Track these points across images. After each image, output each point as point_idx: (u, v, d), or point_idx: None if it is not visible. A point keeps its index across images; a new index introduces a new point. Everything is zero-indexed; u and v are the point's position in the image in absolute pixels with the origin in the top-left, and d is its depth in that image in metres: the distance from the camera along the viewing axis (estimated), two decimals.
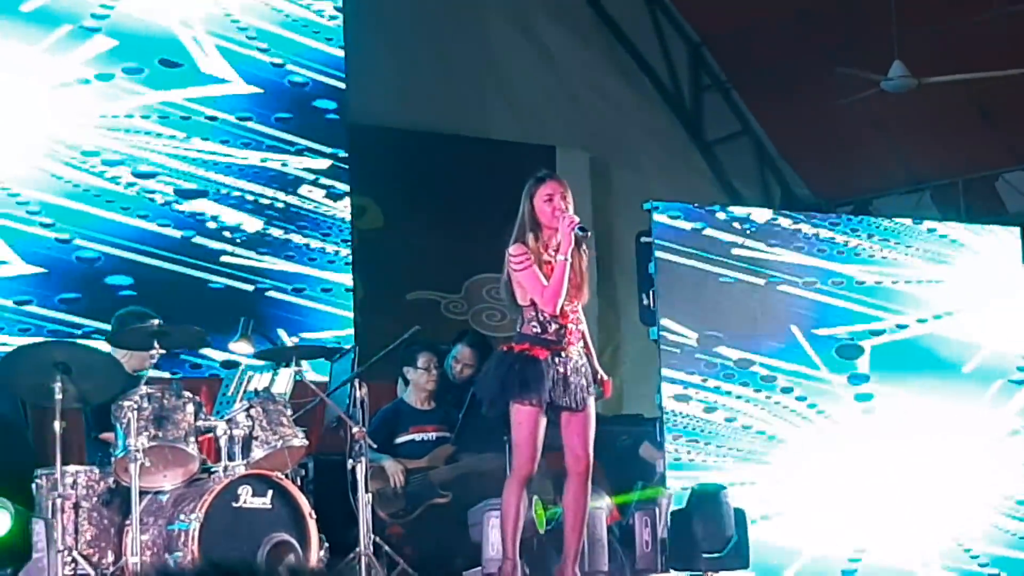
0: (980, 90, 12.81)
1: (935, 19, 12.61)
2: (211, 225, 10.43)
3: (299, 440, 7.80)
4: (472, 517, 8.63)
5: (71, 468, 7.45)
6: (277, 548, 7.37)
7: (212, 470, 7.64)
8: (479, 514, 8.48)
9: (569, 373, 7.26)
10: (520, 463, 7.25)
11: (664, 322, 9.77)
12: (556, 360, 7.24)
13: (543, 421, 7.22)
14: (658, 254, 9.82)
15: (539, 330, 7.24)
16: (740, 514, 9.10)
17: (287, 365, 8.08)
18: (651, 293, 9.82)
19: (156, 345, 7.60)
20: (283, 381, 8.13)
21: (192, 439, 7.51)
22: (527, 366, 7.19)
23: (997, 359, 10.65)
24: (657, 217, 9.92)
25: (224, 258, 10.47)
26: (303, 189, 10.74)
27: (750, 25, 13.72)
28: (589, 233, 7.50)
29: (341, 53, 11.05)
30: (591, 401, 7.36)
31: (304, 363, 8.12)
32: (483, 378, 7.45)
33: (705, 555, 8.88)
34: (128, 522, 7.34)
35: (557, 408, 7.28)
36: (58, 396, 7.30)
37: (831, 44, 13.23)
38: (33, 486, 7.52)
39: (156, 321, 7.93)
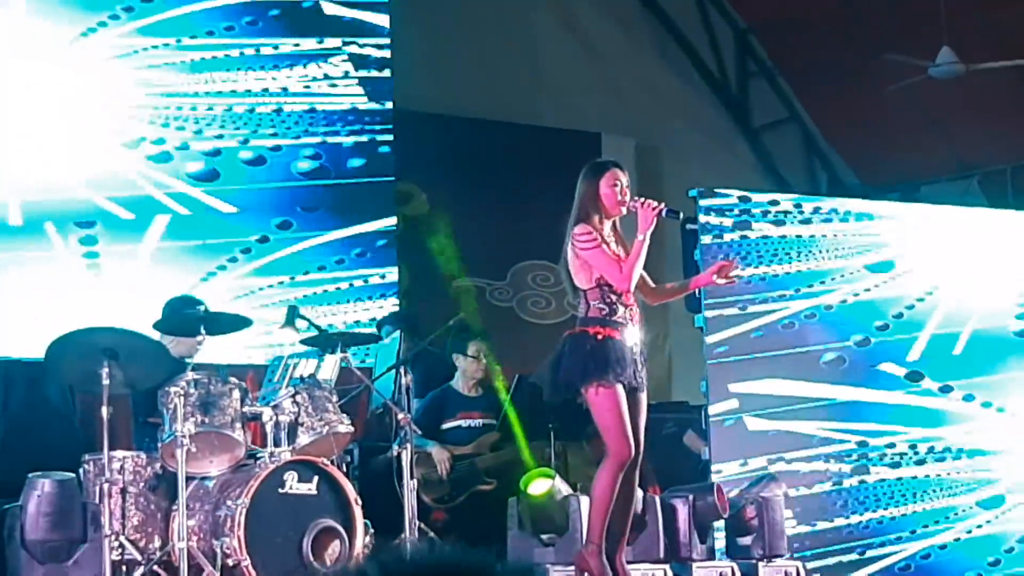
0: None
1: (983, 5, 12.53)
2: None
3: (345, 426, 7.81)
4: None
5: (118, 453, 7.47)
6: (322, 534, 7.39)
7: (258, 456, 7.67)
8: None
9: (636, 354, 7.21)
10: (616, 447, 7.07)
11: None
12: (625, 339, 7.18)
13: (626, 399, 7.09)
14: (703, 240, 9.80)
15: (607, 311, 7.14)
16: None
17: (332, 351, 8.09)
18: None
19: (202, 331, 7.63)
20: (329, 367, 8.14)
21: (238, 425, 7.54)
22: (606, 346, 7.08)
23: None
24: (702, 203, 9.89)
25: None
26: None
27: (797, 11, 13.66)
28: (682, 215, 7.43)
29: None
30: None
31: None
32: (557, 363, 7.19)
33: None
34: (175, 507, 7.37)
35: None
36: (105, 382, 7.31)
37: (879, 30, 13.16)
38: (80, 471, 7.54)
39: (203, 307, 7.96)
